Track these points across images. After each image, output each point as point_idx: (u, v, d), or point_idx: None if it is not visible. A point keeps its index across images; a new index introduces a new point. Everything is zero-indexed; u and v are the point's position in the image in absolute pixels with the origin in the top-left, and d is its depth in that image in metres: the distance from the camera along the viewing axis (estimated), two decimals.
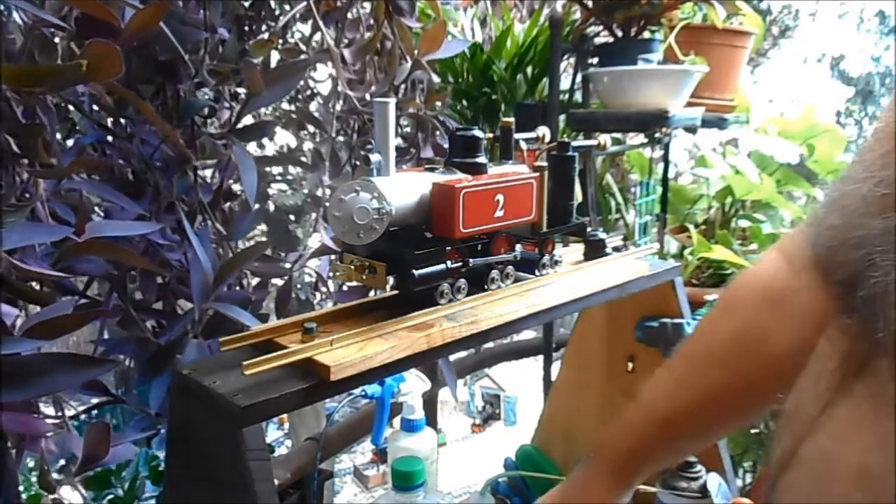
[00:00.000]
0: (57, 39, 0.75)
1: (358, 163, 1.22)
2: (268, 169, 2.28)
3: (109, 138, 0.88)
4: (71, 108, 0.89)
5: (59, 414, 0.73)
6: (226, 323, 0.82)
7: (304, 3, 0.99)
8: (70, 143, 0.92)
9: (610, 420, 1.17)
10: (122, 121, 0.88)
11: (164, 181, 0.87)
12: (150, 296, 0.89)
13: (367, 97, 1.12)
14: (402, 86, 1.12)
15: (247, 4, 1.06)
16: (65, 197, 0.76)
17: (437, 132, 1.15)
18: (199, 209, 0.91)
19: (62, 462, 0.74)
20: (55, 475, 0.72)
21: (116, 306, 0.83)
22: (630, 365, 1.11)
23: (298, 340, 0.56)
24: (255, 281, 1.06)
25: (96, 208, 0.91)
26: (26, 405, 0.64)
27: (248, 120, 1.10)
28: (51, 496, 0.71)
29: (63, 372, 0.60)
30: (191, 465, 0.56)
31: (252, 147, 1.83)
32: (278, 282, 1.10)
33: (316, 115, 1.34)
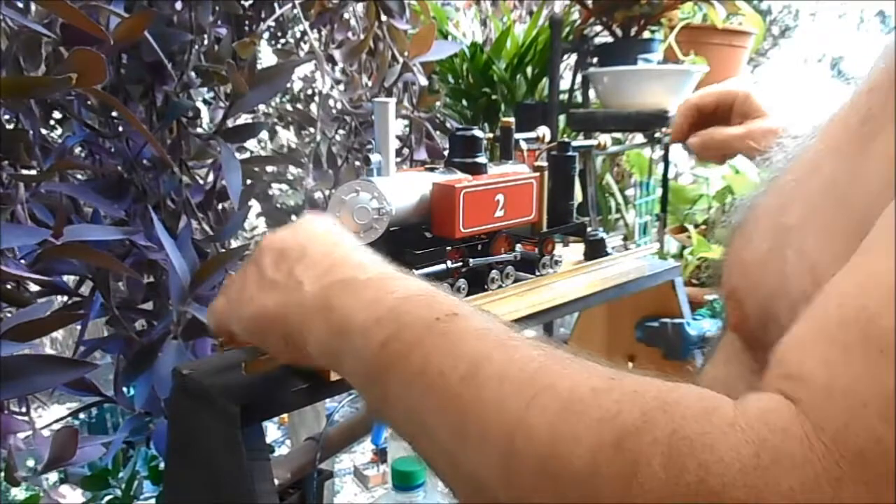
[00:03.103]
0: (43, 44, 0.75)
1: (356, 162, 1.22)
2: (269, 169, 2.28)
3: (98, 139, 0.88)
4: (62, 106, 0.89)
5: (24, 410, 0.73)
6: (205, 325, 0.82)
7: (290, 4, 0.99)
8: (61, 142, 0.92)
9: None
10: (110, 120, 0.88)
11: (151, 182, 0.87)
12: (138, 295, 0.89)
13: (363, 97, 1.12)
14: (396, 88, 1.12)
15: (246, 4, 1.06)
16: (44, 198, 0.76)
17: (430, 134, 1.15)
18: (184, 209, 0.91)
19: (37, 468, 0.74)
20: (24, 473, 0.72)
21: (102, 305, 0.83)
22: (630, 365, 1.11)
23: None
24: None
25: (88, 209, 0.91)
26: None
27: (248, 118, 1.10)
28: (52, 495, 0.71)
29: (41, 373, 0.60)
30: (190, 465, 0.56)
31: (252, 144, 1.83)
32: None
33: (312, 115, 1.34)
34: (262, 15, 1.07)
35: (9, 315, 0.67)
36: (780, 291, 0.32)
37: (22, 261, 0.66)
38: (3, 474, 0.72)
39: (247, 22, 1.08)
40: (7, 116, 0.76)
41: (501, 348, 0.33)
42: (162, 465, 1.00)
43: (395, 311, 0.38)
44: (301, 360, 0.45)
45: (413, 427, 0.36)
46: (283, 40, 1.49)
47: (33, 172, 0.73)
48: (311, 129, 1.53)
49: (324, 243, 0.47)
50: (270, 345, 0.46)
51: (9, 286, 0.68)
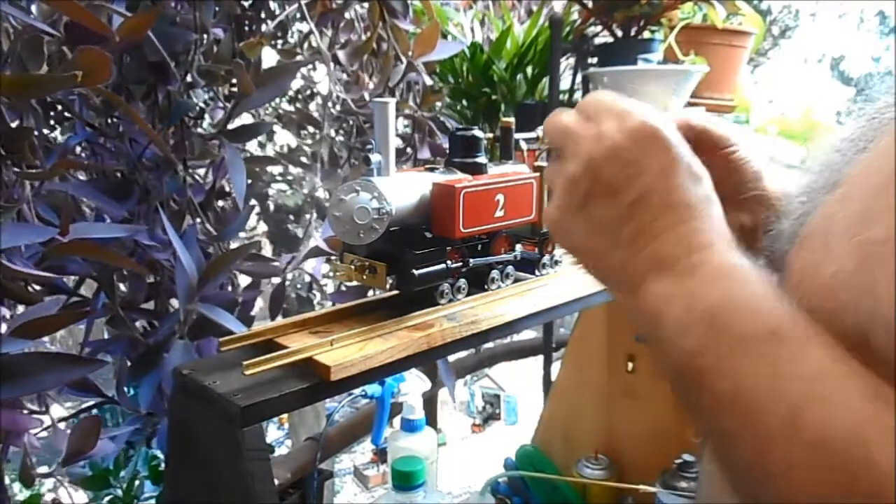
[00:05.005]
0: (45, 44, 0.75)
1: (356, 162, 1.22)
2: (269, 169, 2.28)
3: (100, 139, 0.88)
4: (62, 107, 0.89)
5: (43, 409, 0.73)
6: (212, 324, 0.82)
7: (296, 5, 0.99)
8: (61, 141, 0.92)
9: (610, 420, 1.17)
10: (112, 120, 0.88)
11: (154, 181, 0.87)
12: (140, 295, 0.89)
13: (366, 97, 1.12)
14: (399, 87, 1.12)
15: (246, 4, 1.07)
16: (49, 197, 0.76)
17: (435, 134, 1.15)
18: (189, 209, 0.91)
19: (57, 462, 0.74)
20: (42, 469, 0.72)
21: (105, 306, 0.83)
22: (630, 365, 1.11)
23: (298, 340, 0.56)
24: (246, 281, 1.06)
25: (86, 209, 0.91)
26: (12, 402, 0.64)
27: (247, 119, 1.10)
28: (50, 496, 0.71)
29: (50, 370, 0.60)
30: (191, 465, 0.56)
31: (253, 146, 1.83)
32: (277, 281, 1.10)
33: (315, 115, 1.34)
34: (262, 15, 1.07)
35: (17, 313, 0.67)
36: (873, 314, 0.30)
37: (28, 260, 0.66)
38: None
39: (246, 22, 1.08)
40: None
41: (820, 386, 0.30)
42: (162, 466, 1.00)
43: (709, 317, 0.35)
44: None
45: (721, 442, 0.35)
46: (282, 41, 1.49)
47: (37, 171, 0.73)
48: (311, 129, 1.53)
49: (658, 191, 0.40)
50: (590, 273, 0.45)
51: (16, 284, 0.68)
